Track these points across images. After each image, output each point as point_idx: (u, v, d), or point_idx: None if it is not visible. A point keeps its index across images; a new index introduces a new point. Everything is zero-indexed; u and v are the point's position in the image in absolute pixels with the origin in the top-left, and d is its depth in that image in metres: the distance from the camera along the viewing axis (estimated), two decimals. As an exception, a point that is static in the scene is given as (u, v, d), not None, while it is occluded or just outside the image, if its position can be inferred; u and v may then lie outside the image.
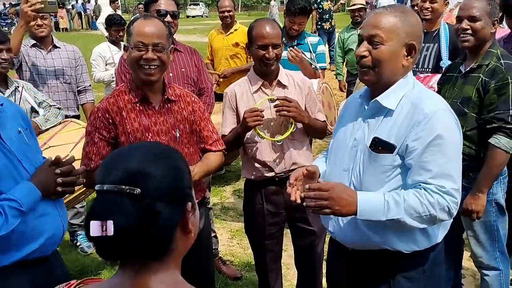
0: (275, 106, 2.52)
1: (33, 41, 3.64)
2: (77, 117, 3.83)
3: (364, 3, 6.08)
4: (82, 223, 4.00)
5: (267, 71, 2.60)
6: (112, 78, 4.95)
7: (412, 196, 1.71)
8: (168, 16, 3.03)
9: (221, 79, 5.02)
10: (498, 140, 2.46)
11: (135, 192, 0.99)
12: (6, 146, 1.79)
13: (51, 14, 3.71)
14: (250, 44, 2.61)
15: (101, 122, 2.19)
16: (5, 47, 2.97)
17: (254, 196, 2.75)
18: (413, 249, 1.83)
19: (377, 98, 1.82)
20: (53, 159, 1.88)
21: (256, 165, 2.67)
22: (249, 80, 2.69)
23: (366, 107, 1.88)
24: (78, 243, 4.02)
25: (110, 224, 0.96)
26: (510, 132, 2.45)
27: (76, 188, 2.45)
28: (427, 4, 3.41)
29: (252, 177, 2.71)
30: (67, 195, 2.06)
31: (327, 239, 2.57)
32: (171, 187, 1.05)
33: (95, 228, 0.97)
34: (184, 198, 1.08)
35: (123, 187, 1.00)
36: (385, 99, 1.81)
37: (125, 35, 2.24)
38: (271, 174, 2.66)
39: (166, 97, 2.28)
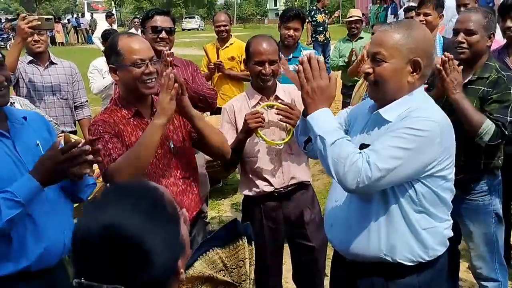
0: (277, 109, 2.53)
1: (30, 58, 3.65)
2: (74, 132, 3.83)
3: (361, 15, 6.14)
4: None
5: (263, 87, 2.63)
6: (112, 82, 4.89)
7: (351, 145, 1.75)
8: (164, 32, 3.05)
9: (214, 68, 4.91)
10: (491, 124, 2.46)
11: None
12: (18, 156, 1.85)
13: (48, 30, 3.72)
14: (248, 60, 2.64)
15: (104, 128, 2.16)
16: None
17: (253, 213, 2.74)
18: (409, 259, 1.83)
19: (379, 111, 1.84)
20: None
21: (255, 179, 2.67)
22: (247, 95, 2.72)
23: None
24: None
25: None
26: (501, 134, 2.47)
27: None
28: (421, 17, 3.46)
29: (251, 193, 2.70)
30: None
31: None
32: (164, 271, 0.94)
33: None
34: (177, 263, 0.98)
35: (104, 286, 0.88)
36: (386, 112, 1.82)
37: (109, 55, 2.23)
38: (270, 189, 2.66)
39: (155, 110, 2.28)
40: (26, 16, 3.13)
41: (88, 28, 29.67)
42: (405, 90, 1.82)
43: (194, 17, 46.72)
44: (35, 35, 3.54)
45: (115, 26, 13.92)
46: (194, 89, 3.10)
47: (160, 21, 3.07)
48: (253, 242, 1.42)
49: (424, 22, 3.44)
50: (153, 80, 2.18)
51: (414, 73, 1.80)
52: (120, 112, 2.23)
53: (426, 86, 2.50)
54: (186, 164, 2.37)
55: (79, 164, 1.75)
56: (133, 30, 12.44)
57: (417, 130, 1.70)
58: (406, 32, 1.78)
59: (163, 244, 0.93)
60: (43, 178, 1.75)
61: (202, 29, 42.24)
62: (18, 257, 1.82)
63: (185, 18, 45.81)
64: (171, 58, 2.89)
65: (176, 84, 2.09)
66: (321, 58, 1.86)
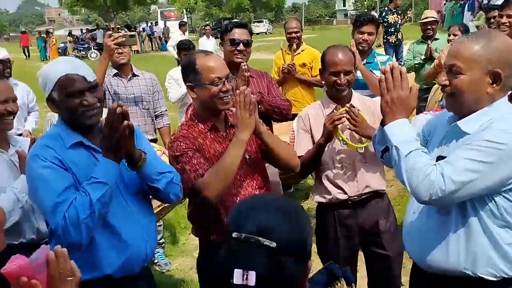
0: (346, 112, 2.56)
1: (115, 71, 3.89)
2: (155, 140, 4.03)
3: (436, 16, 5.93)
4: (160, 241, 4.16)
5: (339, 96, 2.65)
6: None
7: (425, 157, 1.74)
8: (241, 44, 3.16)
9: (287, 70, 4.93)
10: None
11: (271, 245, 1.05)
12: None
13: (131, 46, 3.96)
14: (323, 70, 2.67)
15: (186, 144, 2.26)
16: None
17: (326, 220, 2.77)
18: (492, 274, 1.78)
19: (457, 123, 1.81)
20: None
21: (329, 187, 2.69)
22: (322, 104, 2.75)
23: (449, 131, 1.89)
24: (155, 260, 4.17)
25: (252, 274, 1.04)
26: None
27: (156, 205, 2.57)
28: (504, 19, 3.30)
29: (324, 200, 2.73)
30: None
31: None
32: (300, 245, 1.11)
33: (238, 276, 1.04)
34: (308, 257, 1.14)
35: (260, 239, 1.06)
36: (465, 124, 1.79)
37: (187, 74, 2.34)
38: (344, 196, 2.67)
39: (229, 123, 2.37)
40: (111, 33, 3.36)
41: (161, 36, 30.81)
42: (485, 101, 1.77)
43: (262, 21, 47.27)
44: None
45: (186, 33, 14.41)
46: (269, 101, 3.18)
47: (238, 33, 3.19)
48: (353, 284, 1.50)
49: (508, 24, 3.28)
50: (229, 96, 2.27)
51: (494, 85, 1.75)
52: (197, 127, 2.33)
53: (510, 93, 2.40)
54: (260, 174, 2.44)
55: (118, 124, 1.82)
56: (204, 38, 12.86)
57: (496, 143, 1.65)
58: (484, 43, 1.73)
59: (299, 239, 1.12)
60: (111, 155, 1.87)
61: (270, 33, 42.55)
62: (102, 265, 1.95)
63: (253, 22, 46.37)
64: (249, 73, 2.98)
65: (252, 99, 2.17)
66: (404, 68, 1.86)
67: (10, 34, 71.23)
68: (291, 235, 1.09)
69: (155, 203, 2.49)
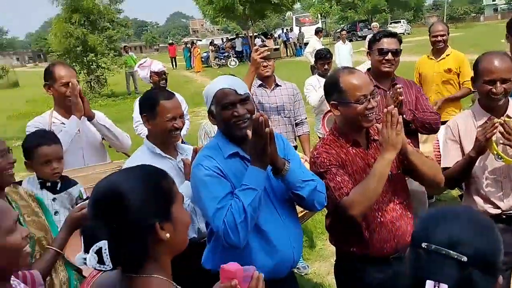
0: (501, 125, 2.39)
1: (260, 82, 4.12)
2: (295, 147, 4.17)
3: None
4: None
5: (492, 106, 2.50)
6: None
7: None
8: (390, 54, 3.15)
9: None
10: None
11: (462, 259, 1.07)
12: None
13: (275, 58, 4.16)
14: (476, 78, 2.53)
15: (329, 161, 2.30)
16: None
17: None
18: None
19: None
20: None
21: (479, 201, 2.56)
22: (474, 114, 2.61)
23: None
24: (294, 264, 4.31)
25: (444, 287, 1.07)
26: None
27: (298, 211, 2.68)
28: None
29: None
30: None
31: None
32: (490, 260, 1.11)
33: (429, 287, 1.08)
34: (498, 272, 1.14)
35: (451, 252, 1.08)
36: None
37: (331, 92, 2.37)
38: (497, 211, 2.52)
39: (371, 138, 2.36)
40: (258, 48, 3.58)
41: (296, 42, 31.32)
42: None
43: (399, 22, 45.50)
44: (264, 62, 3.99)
45: (321, 39, 14.51)
46: (421, 119, 3.17)
47: (387, 43, 3.19)
48: None
49: None
50: (373, 114, 2.27)
51: None
52: (338, 142, 2.36)
53: None
54: (402, 189, 2.41)
55: (262, 131, 1.94)
56: (340, 42, 12.82)
57: None
58: None
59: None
60: (258, 163, 2.00)
61: (408, 33, 40.72)
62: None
63: (390, 23, 44.86)
64: (402, 97, 2.95)
65: (400, 119, 2.16)
66: None
67: (160, 45, 78.38)
68: (482, 249, 1.09)
69: (298, 209, 2.60)
